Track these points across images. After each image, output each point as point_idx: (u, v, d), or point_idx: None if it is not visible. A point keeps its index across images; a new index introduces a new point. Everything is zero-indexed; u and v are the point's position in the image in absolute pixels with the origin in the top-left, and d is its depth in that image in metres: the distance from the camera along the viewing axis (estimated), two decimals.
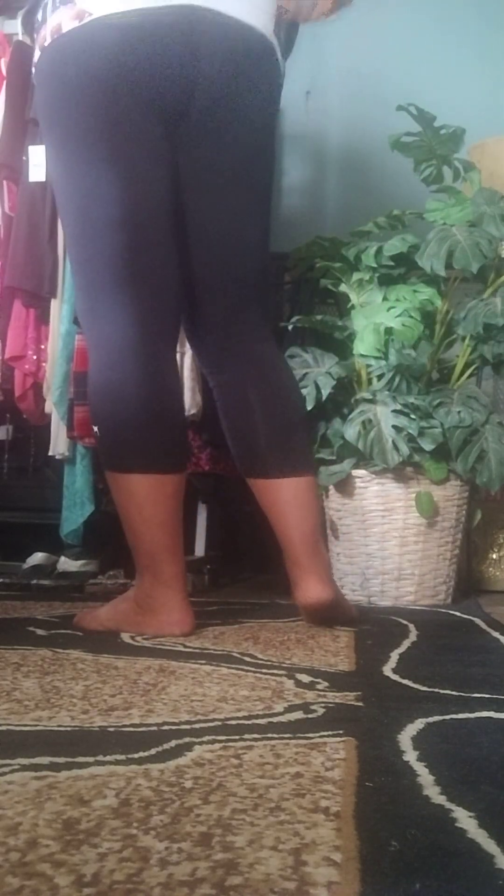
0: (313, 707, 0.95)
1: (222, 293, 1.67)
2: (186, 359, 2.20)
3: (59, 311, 2.32)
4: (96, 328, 1.59)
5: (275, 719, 0.89)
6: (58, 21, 1.53)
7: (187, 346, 2.18)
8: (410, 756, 0.76)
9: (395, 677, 1.14)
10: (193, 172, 1.59)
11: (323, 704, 0.96)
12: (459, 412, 2.09)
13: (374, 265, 2.22)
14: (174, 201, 1.58)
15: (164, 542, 1.53)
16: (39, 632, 1.49)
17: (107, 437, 1.57)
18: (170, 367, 1.60)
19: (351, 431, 2.09)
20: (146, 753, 0.75)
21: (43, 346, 2.35)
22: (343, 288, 2.27)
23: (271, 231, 1.73)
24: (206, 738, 0.80)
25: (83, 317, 1.63)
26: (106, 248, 1.55)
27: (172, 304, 1.59)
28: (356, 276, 2.25)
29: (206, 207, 1.61)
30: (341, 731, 0.84)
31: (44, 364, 2.33)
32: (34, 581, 2.30)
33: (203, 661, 1.21)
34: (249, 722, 0.88)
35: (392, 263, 2.23)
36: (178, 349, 2.08)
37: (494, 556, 2.52)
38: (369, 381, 2.22)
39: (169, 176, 1.56)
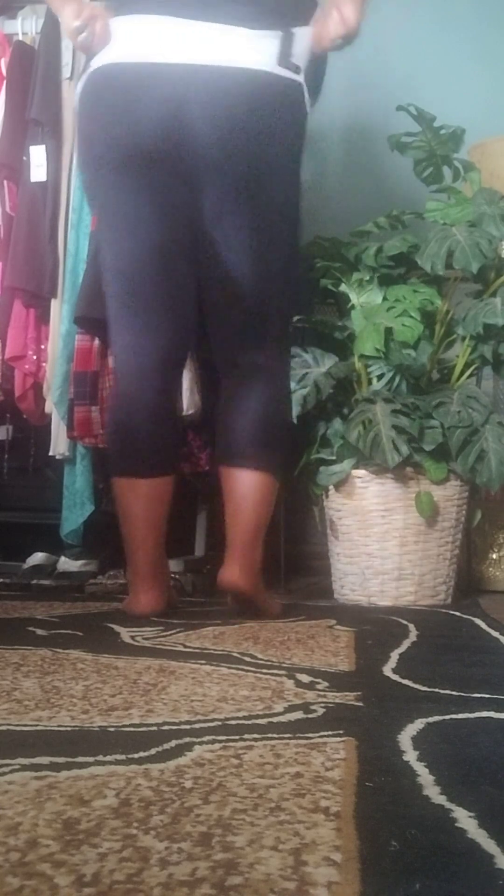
0: (313, 707, 0.95)
1: (230, 314, 1.83)
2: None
3: (60, 311, 2.31)
4: (114, 352, 1.86)
5: (275, 719, 0.89)
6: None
7: None
8: (410, 756, 0.76)
9: (395, 677, 1.14)
10: (203, 210, 1.72)
11: (323, 704, 0.96)
12: (459, 412, 2.09)
13: (374, 265, 2.22)
14: (176, 242, 1.74)
15: (135, 536, 1.78)
16: (39, 632, 1.49)
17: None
18: (159, 391, 1.78)
19: (351, 431, 2.09)
20: (146, 753, 0.75)
21: (43, 346, 2.35)
22: (343, 288, 2.27)
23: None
24: (206, 738, 0.80)
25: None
26: (111, 287, 1.79)
27: (167, 338, 1.78)
28: (356, 276, 2.25)
29: (214, 240, 1.75)
30: (341, 731, 0.84)
31: (44, 364, 2.33)
32: (34, 581, 2.30)
33: (203, 661, 1.21)
34: (249, 722, 0.88)
35: (392, 263, 2.23)
36: None
37: (494, 556, 2.52)
38: (369, 381, 2.22)
39: (170, 218, 1.72)
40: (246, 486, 1.78)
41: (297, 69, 1.70)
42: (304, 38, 1.71)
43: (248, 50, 1.66)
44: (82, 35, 1.68)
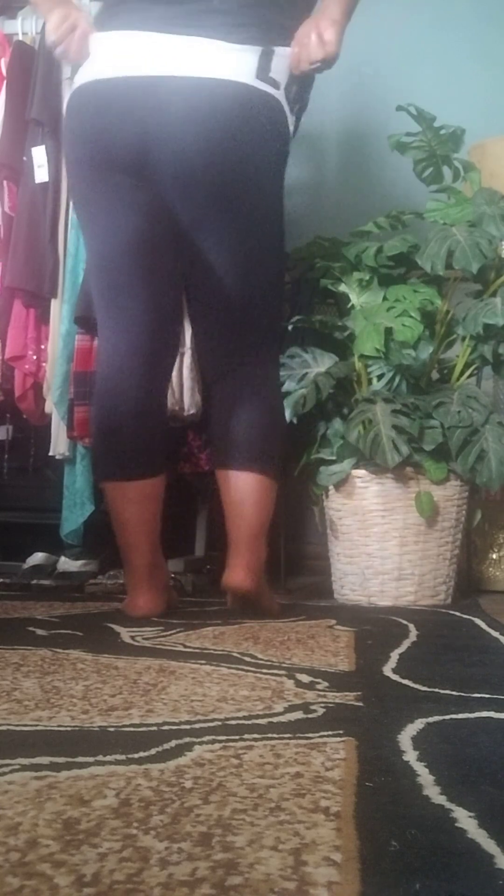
0: (313, 707, 0.95)
1: (217, 322, 1.86)
2: (186, 358, 2.19)
3: (60, 311, 2.31)
4: (98, 349, 1.86)
5: (275, 719, 0.89)
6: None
7: (187, 345, 2.18)
8: (410, 756, 0.76)
9: (395, 677, 1.14)
10: (182, 219, 1.74)
11: (323, 704, 0.96)
12: (459, 412, 2.09)
13: (374, 265, 2.22)
14: (154, 240, 1.75)
15: (128, 540, 1.77)
16: (39, 632, 1.49)
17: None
18: (144, 389, 1.77)
19: (351, 431, 2.09)
20: (146, 753, 0.75)
21: (43, 346, 2.35)
22: (343, 288, 2.27)
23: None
24: (206, 738, 0.80)
25: None
26: (95, 285, 1.83)
27: (150, 333, 1.78)
28: (356, 276, 2.24)
29: (196, 249, 1.77)
30: (341, 731, 0.84)
31: (44, 364, 2.33)
32: (34, 581, 2.30)
33: (203, 661, 1.21)
34: (249, 722, 0.88)
35: (392, 263, 2.23)
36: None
37: (494, 556, 2.52)
38: (369, 381, 2.22)
39: (147, 219, 1.73)
40: (245, 488, 1.78)
41: (276, 85, 1.70)
42: (284, 56, 1.71)
43: (226, 62, 1.66)
44: (59, 49, 1.75)
